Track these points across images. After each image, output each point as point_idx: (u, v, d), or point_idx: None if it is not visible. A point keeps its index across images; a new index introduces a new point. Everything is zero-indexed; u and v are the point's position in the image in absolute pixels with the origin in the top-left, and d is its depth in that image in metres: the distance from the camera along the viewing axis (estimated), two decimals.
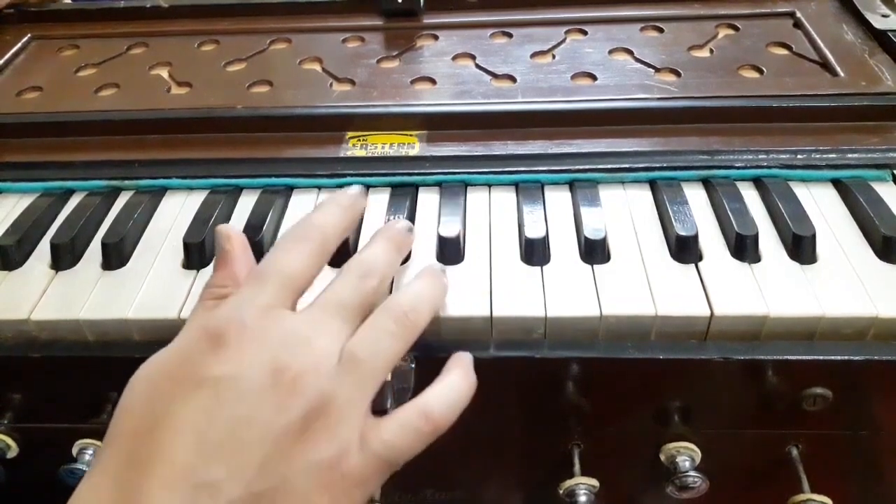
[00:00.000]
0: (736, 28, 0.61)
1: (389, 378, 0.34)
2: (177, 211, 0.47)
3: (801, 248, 0.41)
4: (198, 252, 0.43)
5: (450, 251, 0.42)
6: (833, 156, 0.47)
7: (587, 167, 0.47)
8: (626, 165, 0.47)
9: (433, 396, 0.33)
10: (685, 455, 0.42)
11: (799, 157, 0.47)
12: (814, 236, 0.41)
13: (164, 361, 0.32)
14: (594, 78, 0.56)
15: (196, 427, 0.29)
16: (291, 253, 0.35)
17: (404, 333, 0.33)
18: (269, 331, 0.31)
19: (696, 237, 0.41)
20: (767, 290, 0.39)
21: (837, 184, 0.46)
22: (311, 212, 0.38)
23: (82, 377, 0.41)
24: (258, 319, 0.31)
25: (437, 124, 0.52)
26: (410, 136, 0.51)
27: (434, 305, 0.36)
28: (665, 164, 0.47)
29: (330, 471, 0.29)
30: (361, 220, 0.45)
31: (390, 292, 0.40)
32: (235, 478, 0.28)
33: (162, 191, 0.49)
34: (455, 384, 0.34)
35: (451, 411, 0.33)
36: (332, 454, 0.30)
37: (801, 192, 0.45)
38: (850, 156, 0.47)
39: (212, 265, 0.43)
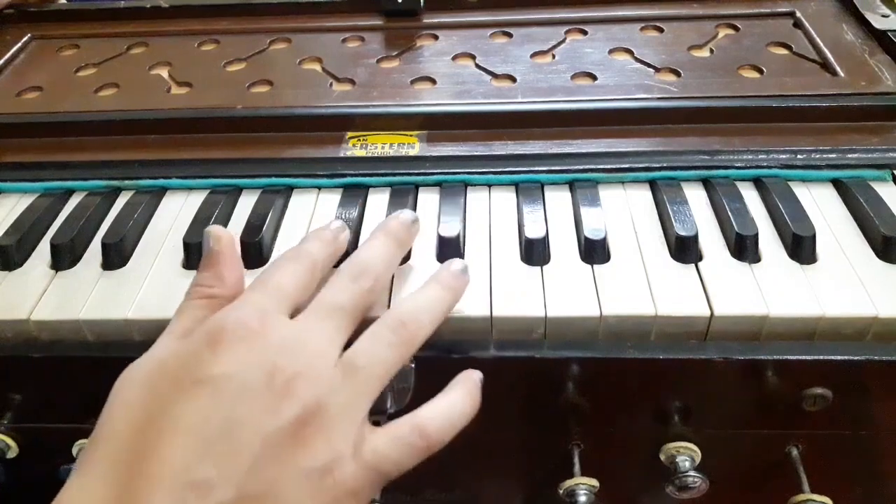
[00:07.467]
0: (736, 28, 0.61)
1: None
2: (177, 211, 0.47)
3: (800, 248, 0.41)
4: (198, 252, 0.43)
5: (450, 251, 0.42)
6: (833, 156, 0.47)
7: (587, 167, 0.47)
8: (626, 165, 0.47)
9: (430, 413, 0.33)
10: (685, 455, 0.42)
11: (799, 157, 0.47)
12: (814, 236, 0.41)
13: (159, 360, 0.32)
14: (594, 78, 0.56)
15: (191, 426, 0.29)
16: (287, 270, 0.36)
17: (402, 344, 0.33)
18: (268, 334, 0.32)
19: (696, 237, 0.41)
20: (767, 290, 0.39)
21: (837, 184, 0.46)
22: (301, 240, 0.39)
23: (82, 377, 0.41)
24: (257, 323, 0.32)
25: (437, 124, 0.52)
26: (410, 136, 0.51)
27: (437, 316, 0.36)
28: (665, 164, 0.47)
29: (322, 478, 0.29)
30: (361, 219, 0.45)
31: (391, 290, 0.40)
32: (226, 478, 0.28)
33: (162, 191, 0.49)
34: (455, 403, 0.34)
35: (447, 430, 0.33)
36: (324, 461, 0.30)
37: (801, 192, 0.45)
38: (850, 156, 0.47)
39: None
